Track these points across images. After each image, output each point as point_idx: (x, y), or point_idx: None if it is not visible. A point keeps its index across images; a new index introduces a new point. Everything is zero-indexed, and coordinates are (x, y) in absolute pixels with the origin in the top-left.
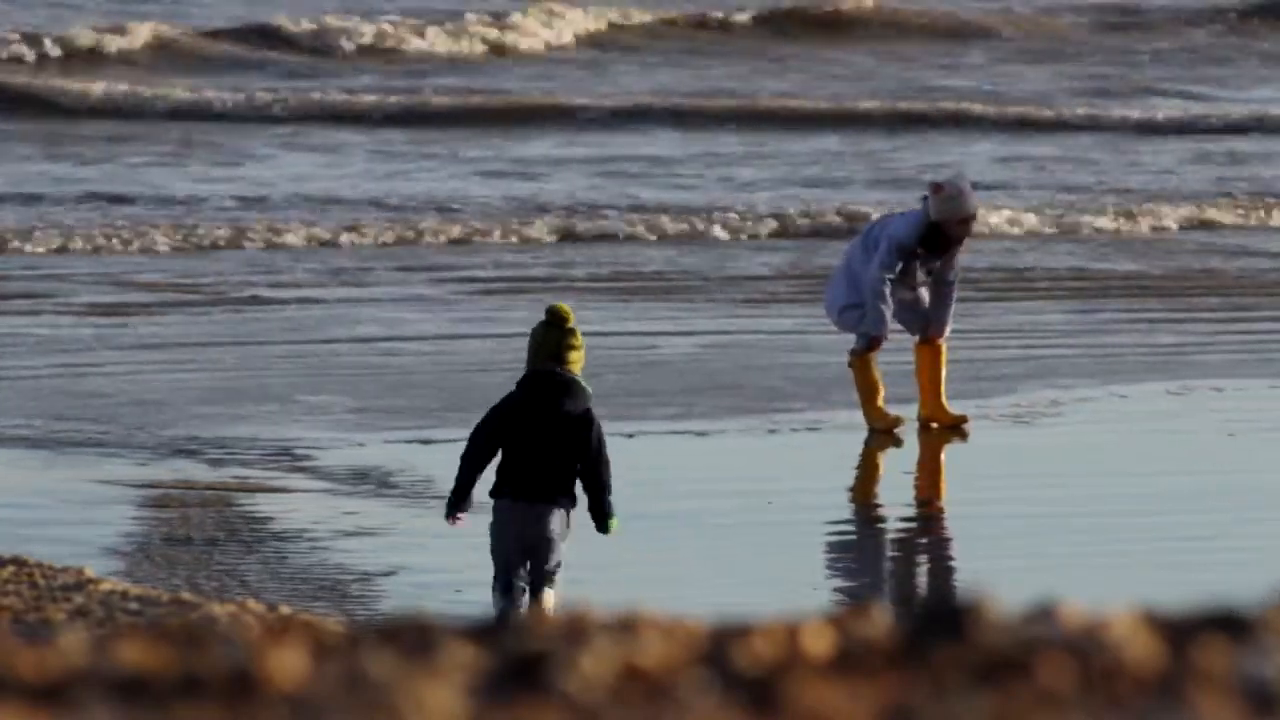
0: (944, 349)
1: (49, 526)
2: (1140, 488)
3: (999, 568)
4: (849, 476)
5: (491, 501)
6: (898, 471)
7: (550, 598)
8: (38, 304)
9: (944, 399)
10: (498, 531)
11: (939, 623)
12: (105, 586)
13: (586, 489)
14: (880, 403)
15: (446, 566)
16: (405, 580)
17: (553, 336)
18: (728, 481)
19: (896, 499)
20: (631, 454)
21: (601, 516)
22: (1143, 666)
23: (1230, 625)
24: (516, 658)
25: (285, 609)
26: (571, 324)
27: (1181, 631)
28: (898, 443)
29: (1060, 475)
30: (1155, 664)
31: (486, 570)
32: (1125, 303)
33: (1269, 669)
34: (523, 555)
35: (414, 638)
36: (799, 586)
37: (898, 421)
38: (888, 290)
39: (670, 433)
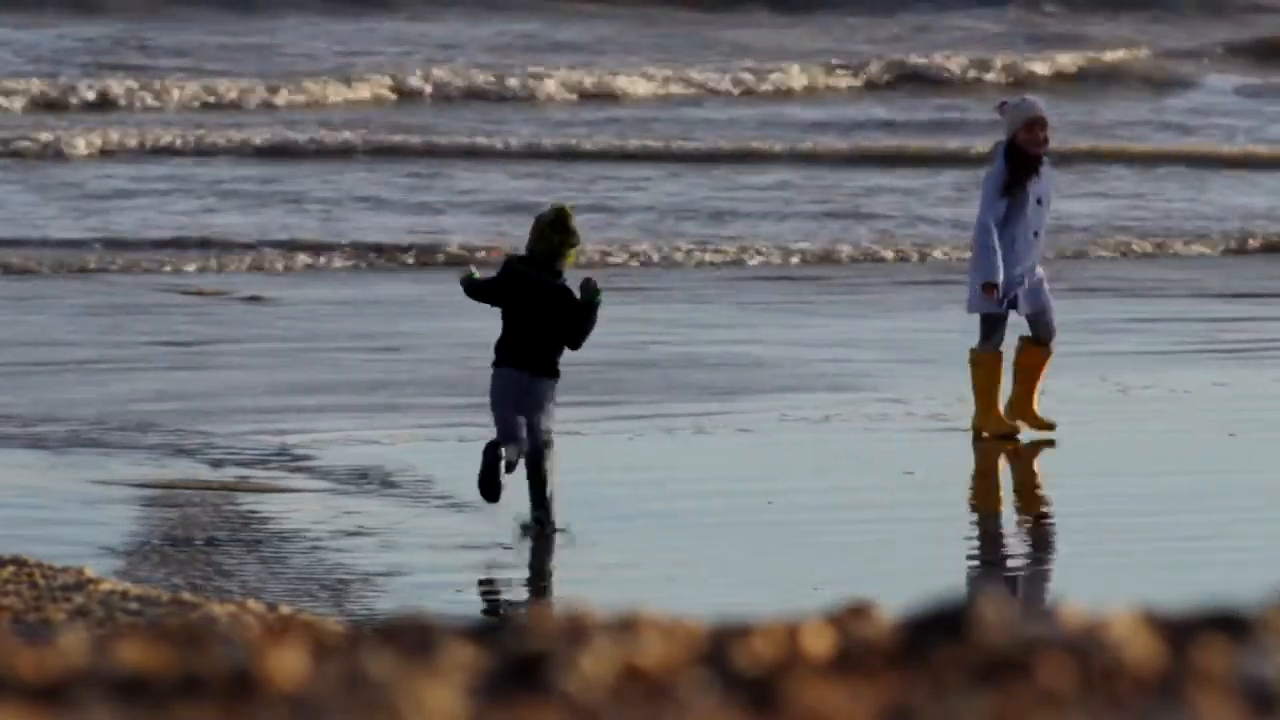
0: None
1: (49, 526)
2: (1139, 488)
3: (998, 568)
4: (849, 476)
5: (492, 371)
6: (897, 471)
7: (551, 458)
8: (38, 304)
9: (1035, 403)
10: (497, 395)
11: (939, 623)
12: (105, 586)
13: (568, 335)
14: (1000, 408)
15: (446, 566)
16: (405, 580)
17: (556, 238)
18: (726, 481)
19: (897, 498)
20: (631, 453)
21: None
22: (1143, 666)
23: (1230, 625)
24: (516, 658)
25: (285, 609)
26: (572, 226)
27: (1181, 631)
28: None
29: (1058, 475)
30: (1155, 664)
31: (485, 571)
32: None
33: (1269, 669)
34: (518, 414)
35: (414, 638)
36: (799, 586)
37: (1015, 430)
38: (994, 236)
39: (665, 431)
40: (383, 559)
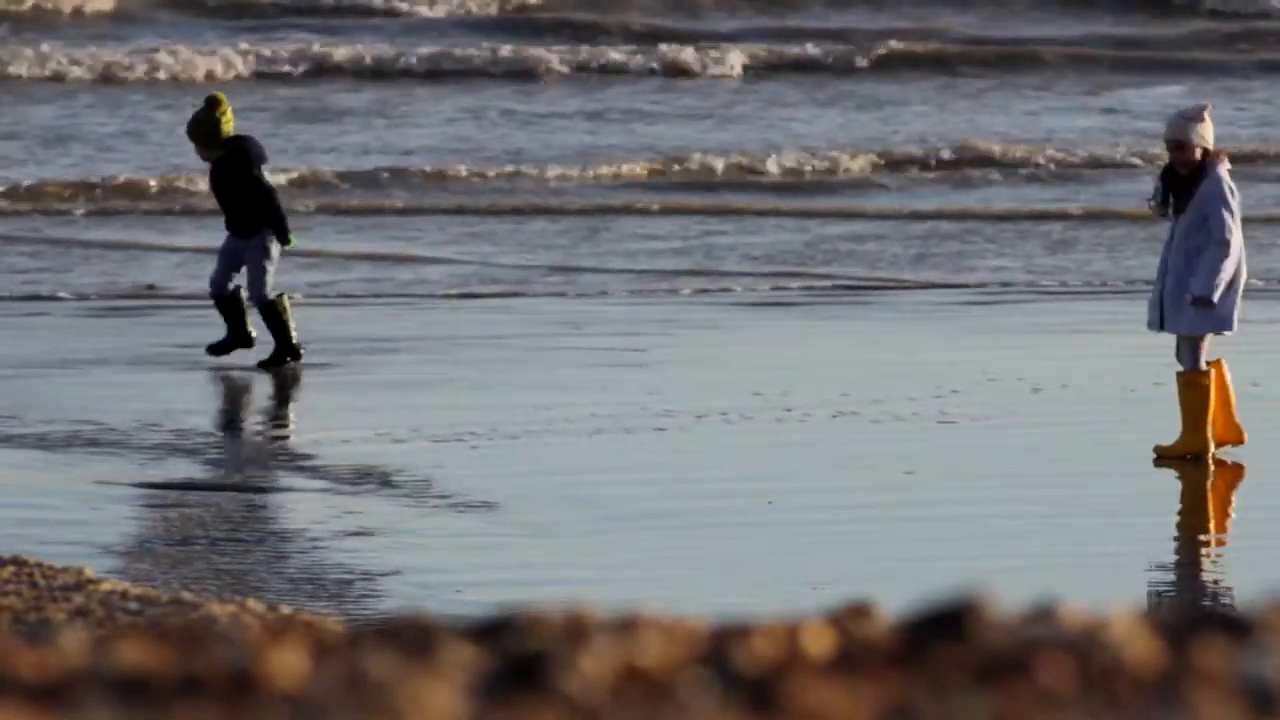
0: (1224, 366)
1: (49, 526)
2: (1138, 487)
3: (999, 568)
4: (849, 476)
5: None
6: (897, 471)
7: (283, 305)
8: (38, 305)
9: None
10: (220, 255)
11: (939, 623)
12: (105, 586)
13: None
14: (1207, 429)
15: (447, 566)
16: (405, 580)
17: (208, 115)
18: (726, 481)
19: (897, 498)
20: (630, 453)
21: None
22: (1143, 666)
23: (1230, 625)
24: (516, 658)
25: (285, 609)
26: (223, 108)
27: (1181, 631)
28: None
29: (1060, 475)
30: (1155, 664)
31: (485, 571)
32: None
33: (1269, 669)
34: (235, 270)
35: (414, 638)
36: (799, 586)
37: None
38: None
39: (664, 430)
40: (383, 559)
